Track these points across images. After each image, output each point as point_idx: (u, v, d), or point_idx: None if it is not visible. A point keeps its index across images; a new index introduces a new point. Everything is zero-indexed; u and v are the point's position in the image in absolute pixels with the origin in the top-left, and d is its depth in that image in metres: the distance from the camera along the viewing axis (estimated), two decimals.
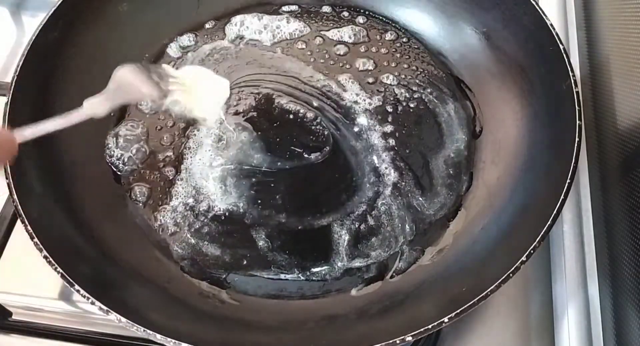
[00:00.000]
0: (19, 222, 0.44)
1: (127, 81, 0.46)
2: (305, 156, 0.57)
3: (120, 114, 0.59)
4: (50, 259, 0.41)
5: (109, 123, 0.58)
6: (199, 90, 0.54)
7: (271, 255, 0.52)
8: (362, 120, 0.58)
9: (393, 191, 0.55)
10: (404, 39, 0.64)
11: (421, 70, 0.62)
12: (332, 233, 0.53)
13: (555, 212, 0.43)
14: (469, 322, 0.53)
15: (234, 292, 0.51)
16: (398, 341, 0.38)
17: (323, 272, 0.52)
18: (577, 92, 0.48)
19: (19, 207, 0.44)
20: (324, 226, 0.53)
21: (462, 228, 0.53)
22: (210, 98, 0.57)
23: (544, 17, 0.52)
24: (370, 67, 0.62)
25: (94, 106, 0.45)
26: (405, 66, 0.62)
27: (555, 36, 0.50)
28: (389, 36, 0.64)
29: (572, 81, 0.48)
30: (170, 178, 0.56)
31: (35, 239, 0.42)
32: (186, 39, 0.64)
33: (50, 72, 0.53)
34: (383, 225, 0.53)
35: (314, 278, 0.51)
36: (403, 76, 0.61)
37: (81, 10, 0.55)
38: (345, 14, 0.66)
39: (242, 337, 0.46)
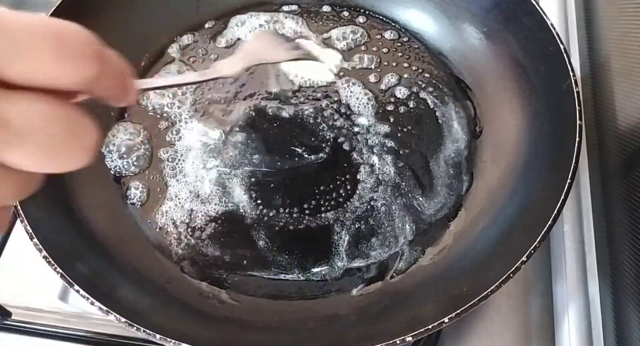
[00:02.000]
0: (18, 222, 0.44)
1: (264, 42, 0.45)
2: (305, 156, 0.57)
3: (120, 114, 0.59)
4: (50, 259, 0.41)
5: (108, 123, 0.58)
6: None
7: (271, 255, 0.52)
8: (363, 120, 0.58)
9: (393, 191, 0.55)
10: (404, 39, 0.64)
11: (421, 70, 0.62)
12: (332, 233, 0.53)
13: (555, 212, 0.43)
14: (469, 322, 0.53)
15: (233, 292, 0.51)
16: (398, 342, 0.38)
17: (323, 272, 0.52)
18: (578, 92, 0.48)
19: (19, 207, 0.44)
20: (324, 226, 0.53)
21: (463, 228, 0.53)
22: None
23: (545, 17, 0.52)
24: (371, 67, 0.62)
25: (226, 66, 0.42)
26: (406, 65, 0.62)
27: (556, 36, 0.50)
28: (389, 36, 0.64)
29: (573, 81, 0.48)
30: (169, 178, 0.56)
31: (35, 240, 0.42)
32: (186, 39, 0.64)
33: None
34: (383, 225, 0.53)
35: (314, 278, 0.51)
36: (403, 76, 0.61)
37: (81, 10, 0.55)
38: (345, 13, 0.65)
39: (242, 337, 0.46)
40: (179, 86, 0.39)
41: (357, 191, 0.55)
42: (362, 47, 0.63)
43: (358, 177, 0.55)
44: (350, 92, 0.60)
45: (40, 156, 0.23)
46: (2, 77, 0.21)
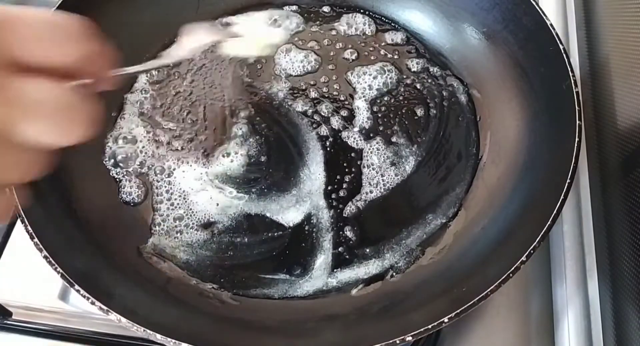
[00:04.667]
0: (19, 222, 0.44)
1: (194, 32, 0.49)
2: (306, 156, 0.57)
3: (120, 114, 0.59)
4: (50, 259, 0.41)
5: (108, 124, 0.58)
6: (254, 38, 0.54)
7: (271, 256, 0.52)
8: (363, 120, 0.58)
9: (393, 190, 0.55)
10: (404, 39, 0.64)
11: (421, 70, 0.62)
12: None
13: (555, 212, 0.43)
14: (469, 322, 0.53)
15: (234, 292, 0.51)
16: (398, 341, 0.38)
17: None
18: (577, 92, 0.48)
19: (19, 207, 0.44)
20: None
21: (462, 228, 0.53)
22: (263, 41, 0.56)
23: (544, 17, 0.52)
24: (370, 68, 0.62)
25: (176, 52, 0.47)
26: (405, 65, 0.62)
27: (555, 36, 0.50)
28: (388, 36, 0.64)
29: (572, 81, 0.48)
30: (169, 178, 0.56)
31: (35, 240, 0.42)
32: None
33: None
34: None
35: None
36: (403, 76, 0.61)
37: (81, 10, 0.55)
38: (345, 14, 0.65)
39: (242, 337, 0.46)
40: (147, 70, 0.54)
41: (357, 191, 0.55)
42: (362, 48, 0.63)
43: (358, 177, 0.55)
44: (350, 92, 0.60)
45: (49, 127, 0.28)
46: (18, 60, 0.27)
